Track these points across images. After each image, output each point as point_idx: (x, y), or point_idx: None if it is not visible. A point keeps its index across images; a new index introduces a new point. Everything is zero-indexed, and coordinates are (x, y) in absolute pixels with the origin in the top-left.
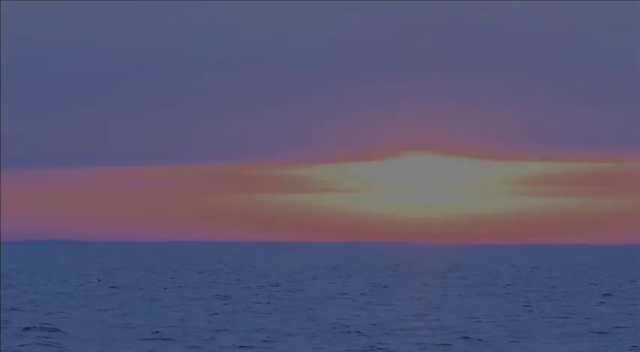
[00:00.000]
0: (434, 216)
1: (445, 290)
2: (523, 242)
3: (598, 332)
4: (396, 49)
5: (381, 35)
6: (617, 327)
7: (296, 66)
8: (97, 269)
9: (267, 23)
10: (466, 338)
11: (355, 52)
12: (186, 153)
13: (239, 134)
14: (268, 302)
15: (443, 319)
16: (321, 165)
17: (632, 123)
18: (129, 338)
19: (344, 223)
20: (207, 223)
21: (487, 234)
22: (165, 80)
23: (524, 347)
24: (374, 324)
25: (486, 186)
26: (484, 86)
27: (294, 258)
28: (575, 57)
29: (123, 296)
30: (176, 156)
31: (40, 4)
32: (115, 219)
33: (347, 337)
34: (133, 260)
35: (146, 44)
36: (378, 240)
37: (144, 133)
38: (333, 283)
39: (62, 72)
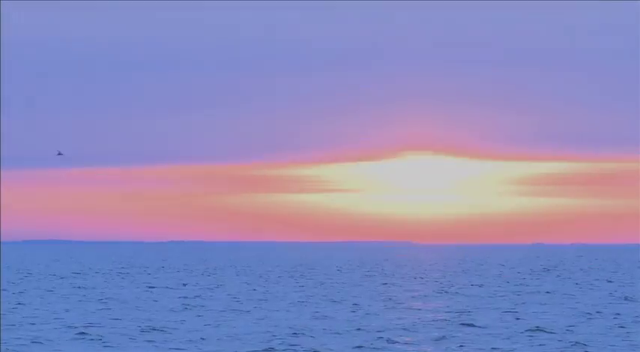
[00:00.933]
0: (434, 216)
1: (409, 291)
2: (523, 242)
3: (537, 331)
4: (395, 50)
5: (381, 36)
6: (559, 326)
7: (296, 67)
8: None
9: (266, 23)
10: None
11: (355, 52)
12: (186, 153)
13: (239, 134)
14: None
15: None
16: (321, 165)
17: (632, 123)
18: (60, 338)
19: (344, 223)
20: (207, 223)
21: (487, 234)
22: (165, 81)
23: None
24: (306, 327)
25: (486, 186)
26: (484, 87)
27: (292, 258)
28: (575, 57)
29: (84, 296)
30: (176, 156)
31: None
32: (115, 219)
33: (241, 342)
34: (125, 259)
35: (144, 44)
36: (378, 240)
37: (144, 133)
38: (304, 284)
39: (62, 72)
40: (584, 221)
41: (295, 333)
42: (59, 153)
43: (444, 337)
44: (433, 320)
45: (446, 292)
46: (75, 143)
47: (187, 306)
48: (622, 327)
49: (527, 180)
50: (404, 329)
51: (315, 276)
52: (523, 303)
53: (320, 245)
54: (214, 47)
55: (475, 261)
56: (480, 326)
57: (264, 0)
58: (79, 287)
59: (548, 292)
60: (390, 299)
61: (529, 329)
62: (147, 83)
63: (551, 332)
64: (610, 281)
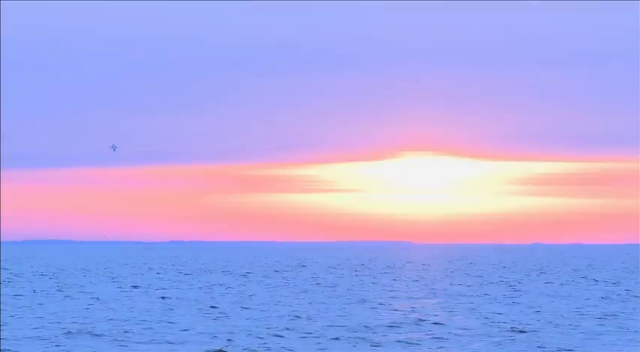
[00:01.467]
0: (434, 216)
1: (395, 291)
2: (522, 242)
3: (516, 333)
4: (396, 50)
5: (380, 36)
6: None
7: (296, 67)
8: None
9: (265, 24)
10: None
11: (355, 53)
12: (186, 153)
13: (239, 134)
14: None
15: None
16: (321, 165)
17: (632, 123)
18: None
19: (344, 223)
20: (207, 223)
21: (487, 234)
22: (166, 81)
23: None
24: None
25: (486, 186)
26: (484, 87)
27: (289, 258)
28: (575, 58)
29: (69, 296)
30: (176, 156)
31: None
32: (115, 219)
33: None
34: (116, 259)
35: (144, 44)
36: (378, 240)
37: (144, 133)
38: (293, 284)
39: (62, 72)
40: (584, 221)
41: (260, 334)
42: (113, 147)
43: (422, 337)
44: (419, 321)
45: (433, 292)
46: (75, 143)
47: (165, 307)
48: (602, 326)
49: (527, 180)
50: (381, 328)
51: (303, 276)
52: (509, 304)
53: (320, 245)
54: (215, 48)
55: (469, 261)
56: (458, 327)
57: (266, 0)
58: (62, 288)
59: (535, 293)
60: (373, 298)
61: (509, 330)
62: (147, 83)
63: (523, 332)
64: (597, 281)
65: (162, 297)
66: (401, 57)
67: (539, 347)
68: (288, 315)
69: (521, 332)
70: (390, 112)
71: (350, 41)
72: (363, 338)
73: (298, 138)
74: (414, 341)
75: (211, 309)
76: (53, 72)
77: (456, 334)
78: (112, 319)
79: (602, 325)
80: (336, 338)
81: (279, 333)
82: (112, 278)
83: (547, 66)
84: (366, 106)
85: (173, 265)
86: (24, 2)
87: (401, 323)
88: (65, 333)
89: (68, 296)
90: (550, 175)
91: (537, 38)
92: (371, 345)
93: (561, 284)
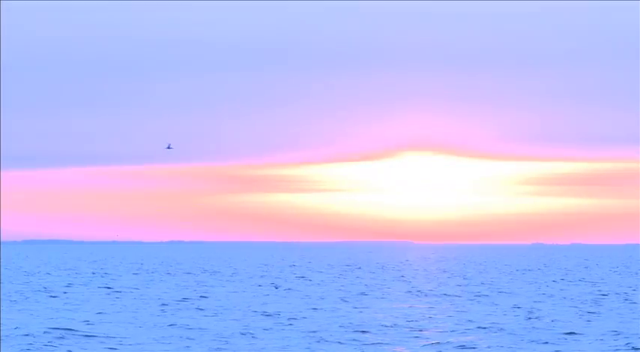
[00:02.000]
0: (434, 216)
1: (381, 291)
2: (523, 242)
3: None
4: (396, 49)
5: (380, 35)
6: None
7: (294, 66)
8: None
9: (264, 24)
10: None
11: (354, 52)
12: (186, 153)
13: (239, 134)
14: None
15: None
16: (320, 165)
17: (632, 123)
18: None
19: (344, 223)
20: (207, 223)
21: (487, 234)
22: (166, 81)
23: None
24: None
25: (486, 186)
26: (484, 86)
27: (285, 258)
28: (575, 57)
29: (55, 297)
30: (176, 156)
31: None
32: (115, 219)
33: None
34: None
35: (144, 44)
36: (378, 239)
37: (143, 133)
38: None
39: (63, 72)
40: (584, 221)
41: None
42: (169, 147)
43: (399, 338)
44: (398, 321)
45: (419, 293)
46: (75, 143)
47: (150, 308)
48: (583, 324)
49: (527, 180)
50: (360, 329)
51: (291, 276)
52: (490, 305)
53: (320, 245)
54: (214, 48)
55: (463, 262)
56: (435, 328)
57: (266, 0)
58: (49, 288)
59: (519, 293)
60: (357, 299)
61: (481, 329)
62: (145, 83)
63: (498, 332)
64: (585, 281)
65: (144, 297)
66: (401, 57)
67: (509, 347)
68: (267, 316)
69: (497, 331)
70: (390, 112)
71: (350, 41)
72: (343, 342)
73: (299, 138)
74: (391, 342)
75: (193, 310)
76: (54, 72)
77: (431, 334)
78: (92, 319)
79: (584, 323)
80: (308, 338)
81: (251, 333)
82: (103, 279)
83: (547, 66)
84: (366, 106)
85: (170, 265)
86: (25, 2)
87: (380, 324)
88: (44, 332)
89: (54, 296)
90: (550, 175)
91: (537, 38)
92: (362, 346)
93: (547, 285)
